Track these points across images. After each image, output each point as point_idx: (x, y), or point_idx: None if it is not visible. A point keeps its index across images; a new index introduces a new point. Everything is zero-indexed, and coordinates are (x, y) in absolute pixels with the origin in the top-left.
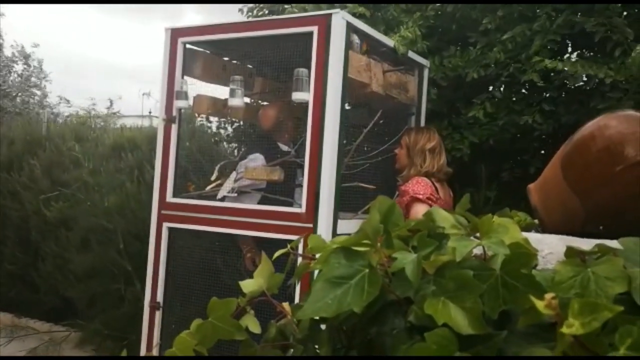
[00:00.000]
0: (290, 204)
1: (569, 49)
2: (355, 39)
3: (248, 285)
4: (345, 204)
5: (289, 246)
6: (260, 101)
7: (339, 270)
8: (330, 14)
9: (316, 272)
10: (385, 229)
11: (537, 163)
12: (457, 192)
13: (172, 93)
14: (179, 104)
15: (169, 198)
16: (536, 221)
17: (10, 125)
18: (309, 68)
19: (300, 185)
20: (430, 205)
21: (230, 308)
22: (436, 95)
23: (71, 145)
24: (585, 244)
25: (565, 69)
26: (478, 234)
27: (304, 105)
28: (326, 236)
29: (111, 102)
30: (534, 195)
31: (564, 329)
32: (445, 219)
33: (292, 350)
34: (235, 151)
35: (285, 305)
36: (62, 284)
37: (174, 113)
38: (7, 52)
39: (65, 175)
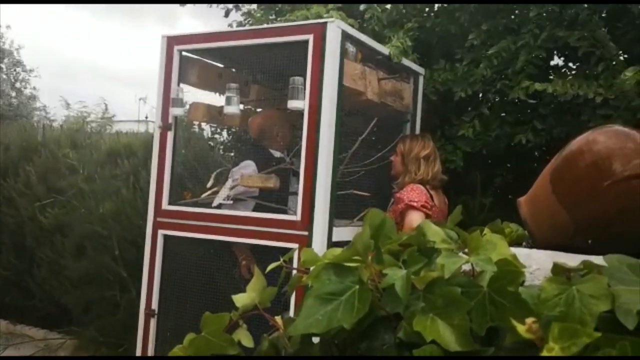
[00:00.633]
0: (285, 212)
1: (554, 63)
2: (350, 47)
3: (241, 299)
4: (341, 211)
5: (281, 259)
6: (255, 109)
7: (330, 286)
8: (326, 23)
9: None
10: (375, 245)
11: (531, 168)
12: (452, 199)
13: (168, 100)
14: (174, 111)
15: (165, 205)
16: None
17: (5, 131)
18: (304, 76)
19: (294, 193)
20: (425, 213)
21: (223, 322)
22: (427, 108)
23: (66, 152)
24: (572, 260)
25: (557, 88)
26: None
27: (293, 112)
28: (321, 244)
29: (106, 105)
30: (524, 208)
31: (545, 353)
32: (436, 233)
33: None
34: (233, 159)
35: (278, 319)
36: (58, 291)
37: (170, 120)
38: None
39: (61, 181)
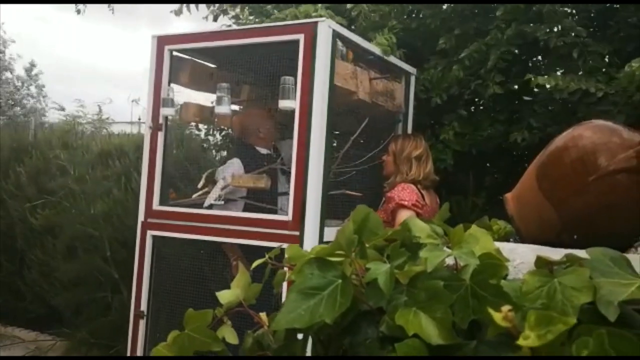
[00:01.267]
0: (275, 212)
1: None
2: (341, 46)
3: (225, 296)
4: (332, 211)
5: (266, 255)
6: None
7: (312, 281)
8: (317, 22)
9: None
10: (359, 239)
11: (524, 168)
12: (444, 199)
13: (158, 100)
14: (165, 111)
15: (155, 206)
16: None
17: None
18: (295, 76)
19: (284, 194)
20: (416, 212)
21: (206, 319)
22: (417, 107)
23: (57, 153)
24: (557, 254)
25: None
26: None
27: (278, 111)
28: (313, 244)
29: (100, 107)
30: (510, 205)
31: (520, 341)
32: (422, 229)
33: None
34: (224, 159)
35: (262, 315)
36: (48, 292)
37: (161, 120)
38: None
39: (52, 182)
